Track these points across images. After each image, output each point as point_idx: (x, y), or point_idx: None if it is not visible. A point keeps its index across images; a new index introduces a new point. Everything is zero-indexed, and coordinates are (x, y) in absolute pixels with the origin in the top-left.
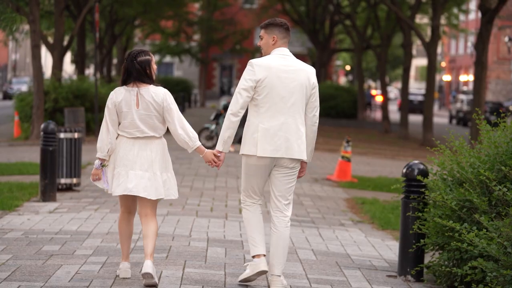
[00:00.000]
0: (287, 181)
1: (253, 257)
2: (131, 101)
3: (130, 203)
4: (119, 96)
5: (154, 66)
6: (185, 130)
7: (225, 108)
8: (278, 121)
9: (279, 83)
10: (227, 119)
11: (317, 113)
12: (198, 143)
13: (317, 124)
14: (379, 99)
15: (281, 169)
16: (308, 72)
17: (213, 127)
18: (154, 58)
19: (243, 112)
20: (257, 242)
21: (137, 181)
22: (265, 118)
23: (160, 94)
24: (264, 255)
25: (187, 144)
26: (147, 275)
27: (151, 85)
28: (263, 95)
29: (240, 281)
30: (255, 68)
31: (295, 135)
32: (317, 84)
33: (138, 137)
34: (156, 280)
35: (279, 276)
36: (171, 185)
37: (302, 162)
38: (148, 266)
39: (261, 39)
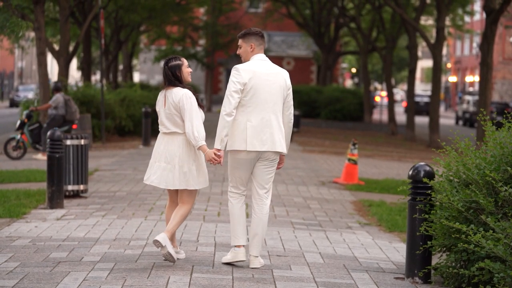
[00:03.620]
0: (269, 171)
1: (234, 246)
2: (161, 101)
3: (173, 193)
4: (158, 97)
5: (186, 70)
6: (191, 129)
7: (28, 117)
8: (263, 119)
9: (263, 85)
10: (223, 119)
11: (292, 111)
12: (202, 143)
13: (292, 121)
14: (378, 99)
15: (265, 161)
16: (284, 75)
17: (18, 136)
18: (186, 62)
19: (235, 112)
20: (238, 233)
21: (160, 173)
22: (252, 116)
23: (178, 95)
24: (244, 246)
25: (192, 142)
26: (156, 242)
27: (178, 87)
28: (249, 96)
29: (223, 262)
30: (241, 73)
31: (277, 131)
32: (291, 86)
33: (165, 133)
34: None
35: (257, 256)
36: (192, 176)
37: (281, 155)
38: (160, 236)
39: (240, 48)
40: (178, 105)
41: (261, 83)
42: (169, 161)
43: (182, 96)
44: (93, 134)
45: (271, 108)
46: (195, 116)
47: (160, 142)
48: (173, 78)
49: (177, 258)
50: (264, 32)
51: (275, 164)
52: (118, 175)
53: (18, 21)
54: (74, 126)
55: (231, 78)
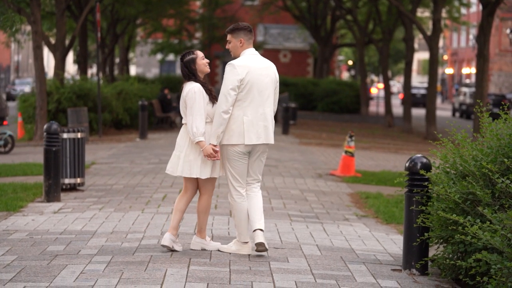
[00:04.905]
0: (261, 162)
1: (242, 242)
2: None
3: (185, 182)
4: None
5: (201, 62)
6: (191, 124)
7: None
8: (258, 112)
9: (257, 80)
10: (220, 116)
11: (277, 102)
12: (199, 139)
13: (275, 111)
14: (374, 91)
15: (257, 153)
16: (274, 68)
17: None
18: (201, 54)
19: (231, 109)
20: (244, 231)
21: (173, 161)
22: (248, 111)
23: (186, 89)
24: (248, 242)
25: (190, 137)
26: (194, 250)
27: (190, 81)
28: (245, 91)
29: (219, 250)
30: (237, 69)
31: (271, 124)
32: (278, 78)
33: (183, 124)
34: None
35: (263, 230)
36: (196, 165)
37: None
38: (193, 244)
39: (229, 43)
40: (185, 98)
41: (256, 78)
42: (180, 149)
43: (188, 91)
44: (90, 127)
45: (265, 101)
46: (196, 111)
47: (179, 133)
48: (187, 73)
49: (174, 249)
50: (260, 24)
51: (266, 155)
52: (115, 168)
53: (11, 15)
54: (5, 123)
55: (228, 75)
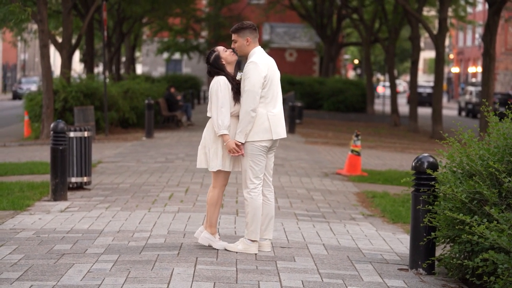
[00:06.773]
0: (273, 158)
1: (251, 240)
2: None
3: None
4: None
5: (225, 54)
6: (216, 116)
7: None
8: (278, 107)
9: (274, 76)
10: (249, 115)
11: None
12: (223, 132)
13: None
14: (380, 89)
15: (274, 149)
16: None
17: None
18: (221, 47)
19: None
20: (258, 229)
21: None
22: (270, 107)
23: (212, 83)
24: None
25: (215, 129)
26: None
27: (217, 76)
28: (267, 88)
29: (226, 249)
30: (261, 67)
31: (284, 117)
32: None
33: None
34: (199, 240)
35: (271, 239)
36: (211, 158)
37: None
38: (201, 240)
39: (235, 42)
40: (211, 91)
41: (273, 74)
42: (202, 142)
43: (213, 83)
44: (97, 126)
45: (280, 96)
46: (221, 104)
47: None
48: (216, 71)
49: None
50: (266, 23)
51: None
52: (121, 167)
53: (17, 10)
54: None
55: (253, 73)
